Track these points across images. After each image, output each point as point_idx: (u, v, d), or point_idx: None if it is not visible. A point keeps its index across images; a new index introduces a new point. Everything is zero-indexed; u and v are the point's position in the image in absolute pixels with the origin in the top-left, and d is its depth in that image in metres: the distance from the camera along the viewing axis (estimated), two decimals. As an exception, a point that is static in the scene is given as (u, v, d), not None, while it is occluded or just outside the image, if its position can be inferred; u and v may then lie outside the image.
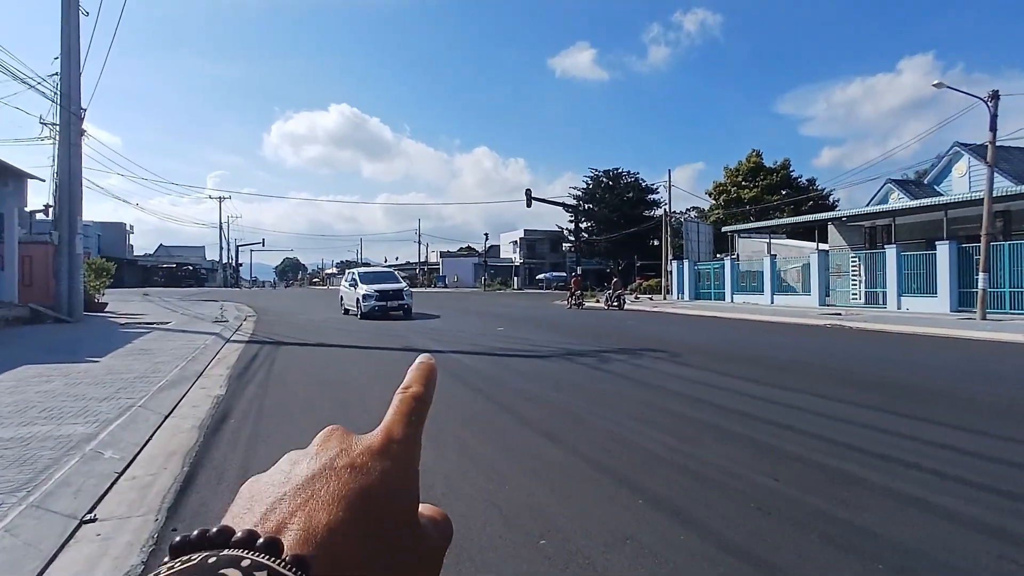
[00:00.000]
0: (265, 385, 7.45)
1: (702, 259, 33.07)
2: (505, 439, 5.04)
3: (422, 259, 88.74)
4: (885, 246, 20.88)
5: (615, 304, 25.34)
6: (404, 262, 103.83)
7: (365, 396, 6.79)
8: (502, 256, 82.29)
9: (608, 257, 72.60)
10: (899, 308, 19.78)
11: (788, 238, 36.70)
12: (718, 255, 35.36)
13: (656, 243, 74.27)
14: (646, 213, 72.83)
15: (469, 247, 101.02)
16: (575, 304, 26.56)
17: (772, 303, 25.67)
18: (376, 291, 19.65)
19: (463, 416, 5.76)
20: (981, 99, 15.99)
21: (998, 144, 24.16)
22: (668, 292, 32.90)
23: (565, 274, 70.86)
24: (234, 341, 12.68)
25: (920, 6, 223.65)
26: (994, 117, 15.69)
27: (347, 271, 25.40)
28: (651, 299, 31.86)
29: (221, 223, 76.61)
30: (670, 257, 37.24)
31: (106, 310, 20.32)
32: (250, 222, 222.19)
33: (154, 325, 15.38)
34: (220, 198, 76.29)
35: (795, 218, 31.14)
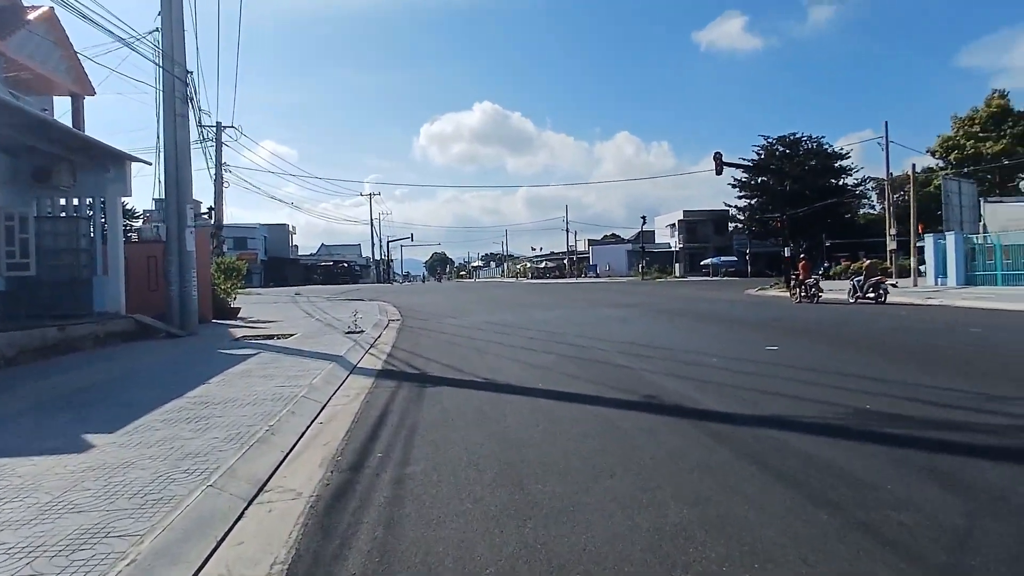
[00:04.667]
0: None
1: (967, 229, 24.30)
2: None
3: (569, 247, 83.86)
4: None
5: (871, 295, 18.18)
6: (549, 252, 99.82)
7: None
8: (657, 241, 74.89)
9: (788, 237, 62.27)
10: None
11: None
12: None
13: (852, 216, 62.49)
14: (832, 183, 61.68)
15: (614, 235, 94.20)
16: (805, 296, 19.71)
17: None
18: None
19: None
20: None
21: None
22: (918, 275, 24.65)
23: (735, 259, 61.94)
24: (360, 371, 8.39)
25: None
26: None
27: None
28: (894, 286, 23.95)
29: (372, 220, 77.91)
30: (891, 231, 28.93)
31: (239, 316, 17.61)
32: (401, 219, 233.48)
33: (272, 340, 11.76)
34: (371, 194, 77.81)
35: None
